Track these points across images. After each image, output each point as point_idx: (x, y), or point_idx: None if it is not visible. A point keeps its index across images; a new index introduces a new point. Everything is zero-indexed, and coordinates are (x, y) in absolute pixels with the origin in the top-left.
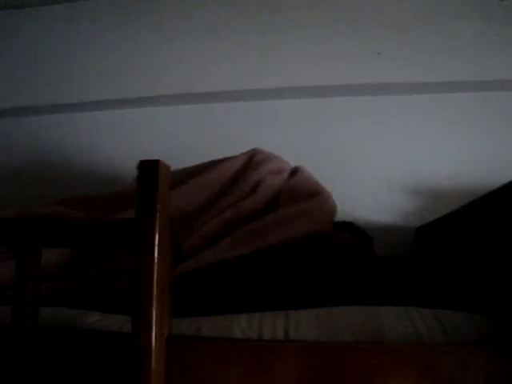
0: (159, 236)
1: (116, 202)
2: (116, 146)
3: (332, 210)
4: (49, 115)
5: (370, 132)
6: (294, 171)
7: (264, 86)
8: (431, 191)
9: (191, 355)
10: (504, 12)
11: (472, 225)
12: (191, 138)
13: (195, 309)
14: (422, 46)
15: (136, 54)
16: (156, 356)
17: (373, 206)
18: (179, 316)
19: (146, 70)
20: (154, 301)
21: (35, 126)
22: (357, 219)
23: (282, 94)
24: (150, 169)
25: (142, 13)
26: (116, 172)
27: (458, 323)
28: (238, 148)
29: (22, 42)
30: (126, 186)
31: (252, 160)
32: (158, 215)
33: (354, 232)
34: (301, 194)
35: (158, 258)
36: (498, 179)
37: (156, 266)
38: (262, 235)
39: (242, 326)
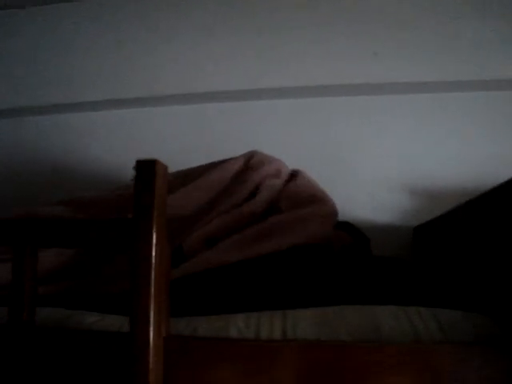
0: (156, 236)
1: (115, 206)
2: (115, 145)
3: (334, 217)
4: (48, 115)
5: (367, 131)
6: (294, 174)
7: (262, 86)
8: (429, 191)
9: (189, 355)
10: (503, 11)
11: (469, 224)
12: (189, 138)
13: (192, 309)
14: (421, 45)
15: (134, 55)
16: (154, 355)
17: (370, 206)
18: (177, 316)
19: (144, 71)
20: (152, 301)
21: (34, 126)
22: (354, 219)
23: (279, 93)
24: (147, 168)
25: (140, 13)
26: (115, 171)
27: (456, 322)
28: (237, 147)
29: (22, 42)
30: (123, 186)
31: (250, 162)
32: (155, 215)
33: (351, 232)
34: (303, 198)
35: (155, 258)
36: (496, 179)
37: (153, 266)
38: (265, 240)
39: (240, 325)
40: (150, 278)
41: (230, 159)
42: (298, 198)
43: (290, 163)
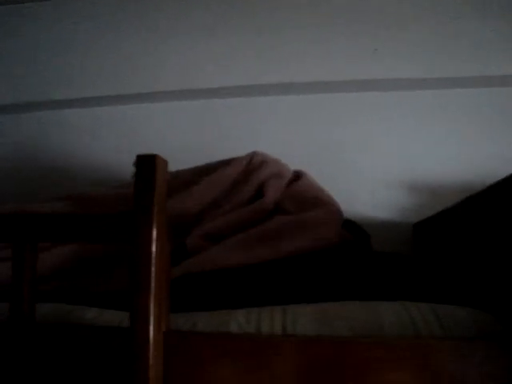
0: (157, 231)
1: (117, 203)
2: (115, 141)
3: (341, 220)
4: (48, 111)
5: (367, 128)
6: (298, 175)
7: (263, 82)
8: (429, 187)
9: (189, 350)
10: (503, 11)
11: (469, 220)
12: (190, 135)
13: (193, 304)
14: (421, 45)
15: (135, 51)
16: (154, 350)
17: (370, 203)
18: (177, 311)
19: (145, 67)
20: (152, 296)
21: (35, 122)
22: (354, 215)
23: (280, 90)
24: (147, 164)
25: (141, 10)
26: (115, 167)
27: (457, 318)
28: (238, 144)
29: (23, 38)
30: (126, 184)
31: (253, 162)
32: (155, 210)
33: (351, 229)
34: (308, 200)
35: (155, 253)
36: (495, 176)
37: (153, 261)
38: (273, 242)
39: (240, 320)
40: (150, 274)
41: (234, 159)
42: (302, 198)
43: (291, 160)
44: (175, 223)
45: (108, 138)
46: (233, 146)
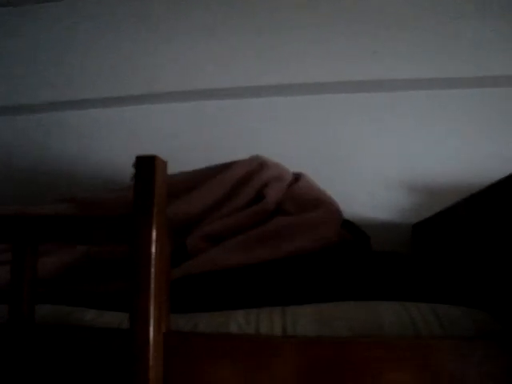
0: (156, 232)
1: (118, 207)
2: (114, 142)
3: (340, 220)
4: (47, 113)
5: (366, 129)
6: (297, 177)
7: (261, 83)
8: (428, 188)
9: (189, 351)
10: (503, 11)
11: (468, 221)
12: (189, 136)
13: (193, 305)
14: (421, 45)
15: (134, 52)
16: (154, 351)
17: (369, 203)
18: (177, 312)
19: (144, 68)
20: (152, 297)
21: (34, 123)
22: (353, 216)
23: (279, 91)
24: (146, 165)
25: (140, 12)
26: (115, 169)
27: (456, 317)
28: (236, 145)
29: (22, 39)
30: (126, 188)
31: (254, 165)
32: (154, 211)
33: (351, 230)
34: (308, 201)
35: (155, 254)
36: (494, 176)
37: (153, 262)
38: (274, 243)
39: (240, 321)
40: (149, 275)
41: (235, 162)
42: (302, 200)
43: (290, 161)
44: (179, 225)
45: (108, 140)
46: (232, 146)
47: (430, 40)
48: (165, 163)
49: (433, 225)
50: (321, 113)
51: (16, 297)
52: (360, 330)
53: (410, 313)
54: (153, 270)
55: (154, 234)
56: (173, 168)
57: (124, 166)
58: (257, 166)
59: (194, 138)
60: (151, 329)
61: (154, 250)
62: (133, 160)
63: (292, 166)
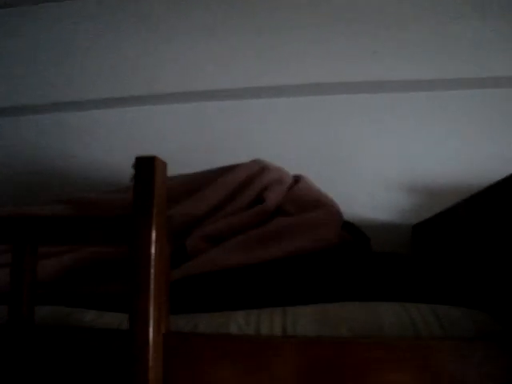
0: (156, 233)
1: (116, 208)
2: (114, 143)
3: (341, 221)
4: (48, 114)
5: (367, 130)
6: (297, 179)
7: (262, 84)
8: (428, 189)
9: (189, 351)
10: (503, 11)
11: (468, 221)
12: (189, 136)
13: (193, 306)
14: (421, 45)
15: (134, 53)
16: (153, 352)
17: (369, 204)
18: (178, 313)
19: (145, 69)
20: (152, 297)
21: (34, 124)
22: (353, 217)
23: (279, 91)
24: (146, 165)
25: (141, 12)
26: (114, 169)
27: (456, 318)
28: (236, 145)
29: (22, 40)
30: (123, 189)
31: (254, 169)
32: (154, 212)
33: (351, 231)
34: (308, 202)
35: (154, 255)
36: (494, 176)
37: (153, 263)
38: (273, 243)
39: (240, 322)
40: (149, 275)
41: (237, 165)
42: (302, 201)
43: (290, 162)
44: (184, 227)
45: (107, 141)
46: (232, 147)
47: (430, 40)
48: (164, 164)
49: (433, 226)
50: (321, 114)
51: (15, 297)
52: (360, 331)
53: (410, 313)
54: (152, 270)
55: (153, 234)
56: (173, 169)
57: (124, 167)
58: (258, 170)
59: (195, 139)
60: (151, 329)
61: (153, 250)
62: (133, 161)
63: (292, 166)
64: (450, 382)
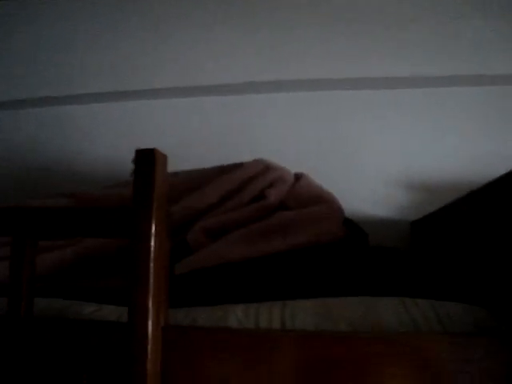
0: (155, 226)
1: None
2: (114, 138)
3: (342, 216)
4: (48, 107)
5: (367, 126)
6: (298, 177)
7: (262, 79)
8: (426, 185)
9: (188, 345)
10: (503, 11)
11: (466, 218)
12: (189, 131)
13: (193, 299)
14: (421, 44)
15: (135, 47)
16: (152, 345)
17: (368, 200)
18: (177, 307)
19: (145, 63)
20: (151, 291)
21: (34, 118)
22: (352, 213)
23: (279, 87)
24: (146, 158)
25: (141, 7)
26: (115, 164)
27: (455, 314)
28: (236, 140)
29: (22, 35)
30: (123, 183)
31: (257, 168)
32: (154, 204)
33: (349, 226)
34: (309, 198)
35: (154, 248)
36: (493, 173)
37: (152, 256)
38: (276, 237)
39: (239, 316)
40: (148, 269)
41: (239, 164)
42: (304, 197)
43: (290, 157)
44: (186, 220)
45: (107, 135)
46: (232, 142)
47: (430, 40)
48: (165, 156)
49: (431, 222)
50: (321, 109)
51: (15, 289)
52: (359, 325)
53: (410, 309)
54: (152, 264)
55: (153, 228)
56: (173, 164)
57: (124, 162)
58: (262, 169)
59: (195, 134)
60: (150, 323)
61: (153, 244)
62: (132, 155)
63: (292, 161)
64: (449, 377)
